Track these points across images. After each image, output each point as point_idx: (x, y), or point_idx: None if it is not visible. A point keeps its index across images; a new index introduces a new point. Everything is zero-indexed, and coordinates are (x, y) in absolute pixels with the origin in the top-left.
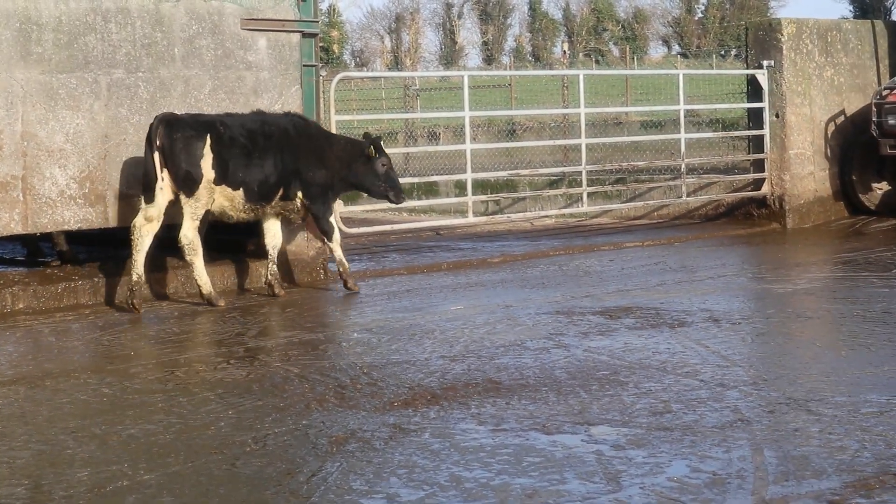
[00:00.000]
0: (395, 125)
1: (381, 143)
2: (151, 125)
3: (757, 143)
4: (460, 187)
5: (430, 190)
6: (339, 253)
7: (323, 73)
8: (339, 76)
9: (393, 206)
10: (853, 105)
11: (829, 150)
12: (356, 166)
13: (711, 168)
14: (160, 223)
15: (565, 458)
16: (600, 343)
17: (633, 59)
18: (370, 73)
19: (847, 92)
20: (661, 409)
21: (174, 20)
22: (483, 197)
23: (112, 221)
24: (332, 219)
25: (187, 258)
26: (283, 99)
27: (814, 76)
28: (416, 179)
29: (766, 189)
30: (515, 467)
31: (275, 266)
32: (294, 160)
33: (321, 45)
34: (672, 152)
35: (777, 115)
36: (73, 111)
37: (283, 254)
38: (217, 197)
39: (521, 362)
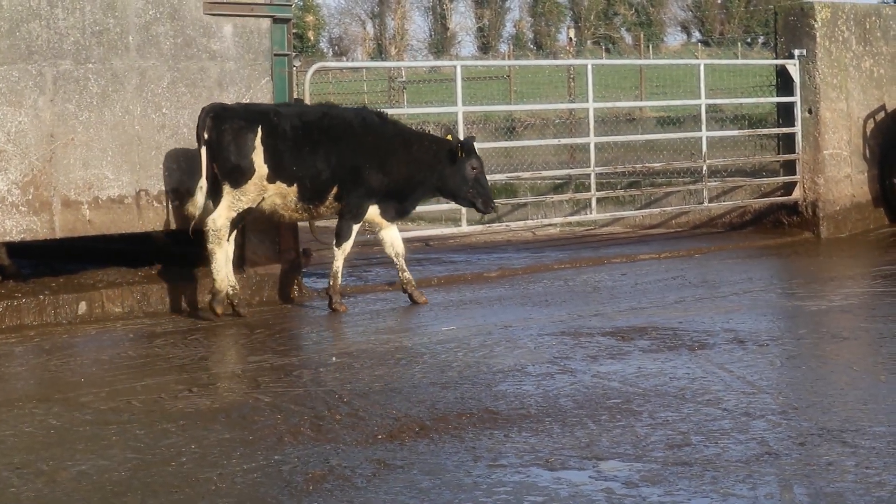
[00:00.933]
0: None
1: (474, 143)
2: (199, 117)
3: (787, 143)
4: None
5: None
6: (338, 264)
7: (297, 63)
8: (314, 66)
9: (482, 214)
10: (895, 100)
11: (867, 151)
12: (442, 169)
13: (736, 170)
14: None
15: (571, 496)
16: (611, 368)
17: (648, 47)
18: (350, 63)
19: (888, 85)
20: (678, 442)
21: (128, 4)
22: None
23: (59, 231)
24: (355, 227)
25: (209, 246)
26: (251, 92)
27: (851, 67)
28: None
29: (797, 194)
30: None
31: (407, 274)
32: (354, 158)
33: (295, 31)
34: (692, 152)
35: (810, 111)
36: (14, 107)
37: (252, 267)
38: (270, 194)
39: (521, 389)
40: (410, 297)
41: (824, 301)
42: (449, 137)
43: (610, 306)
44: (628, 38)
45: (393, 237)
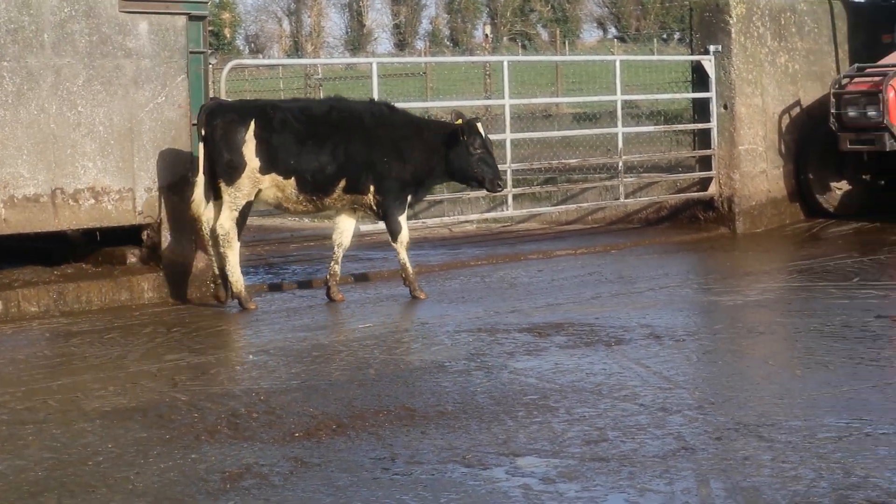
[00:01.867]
0: None
1: (479, 123)
2: (198, 114)
3: (703, 138)
4: None
5: None
6: (403, 256)
7: (213, 60)
8: (230, 64)
9: (493, 193)
10: (810, 95)
11: (783, 146)
12: (454, 152)
13: (652, 166)
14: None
15: (488, 493)
16: (528, 364)
17: (565, 43)
18: (266, 61)
19: (803, 80)
20: (595, 438)
21: (43, 2)
22: None
23: None
24: (402, 218)
25: (221, 250)
26: (167, 90)
27: (766, 63)
28: None
29: (713, 189)
30: None
31: (337, 266)
32: (365, 151)
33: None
34: (608, 148)
35: (725, 107)
36: None
37: (168, 265)
38: (266, 186)
39: (438, 386)
40: (328, 290)
41: (740, 296)
42: (459, 122)
43: (526, 303)
44: (545, 35)
45: (347, 228)
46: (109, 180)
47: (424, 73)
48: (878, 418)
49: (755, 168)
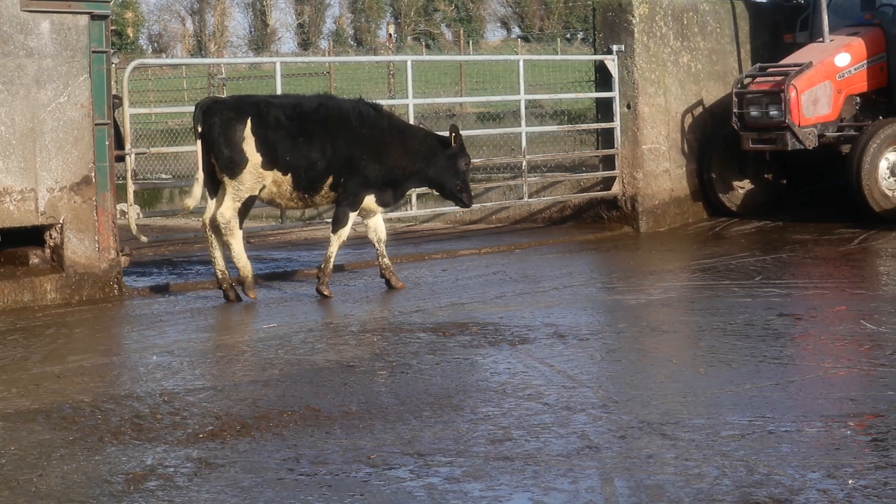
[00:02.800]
0: None
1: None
2: (194, 111)
3: (606, 138)
4: None
5: None
6: (334, 250)
7: (115, 60)
8: (133, 63)
9: (463, 209)
10: (712, 95)
11: (686, 145)
12: (436, 161)
13: (556, 165)
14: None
15: (393, 493)
16: (432, 363)
17: (469, 43)
18: (169, 60)
19: (705, 80)
20: (500, 437)
21: None
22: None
23: None
24: (352, 214)
25: (224, 239)
26: (69, 90)
27: (669, 62)
28: None
29: (616, 189)
30: None
31: (386, 259)
32: (348, 149)
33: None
34: (512, 148)
35: (628, 106)
36: None
37: (71, 266)
38: (268, 182)
39: (343, 386)
40: (388, 282)
41: (644, 295)
42: (454, 135)
43: (431, 302)
44: (448, 35)
45: (377, 224)
46: (11, 181)
47: (328, 72)
48: (780, 416)
49: (658, 167)
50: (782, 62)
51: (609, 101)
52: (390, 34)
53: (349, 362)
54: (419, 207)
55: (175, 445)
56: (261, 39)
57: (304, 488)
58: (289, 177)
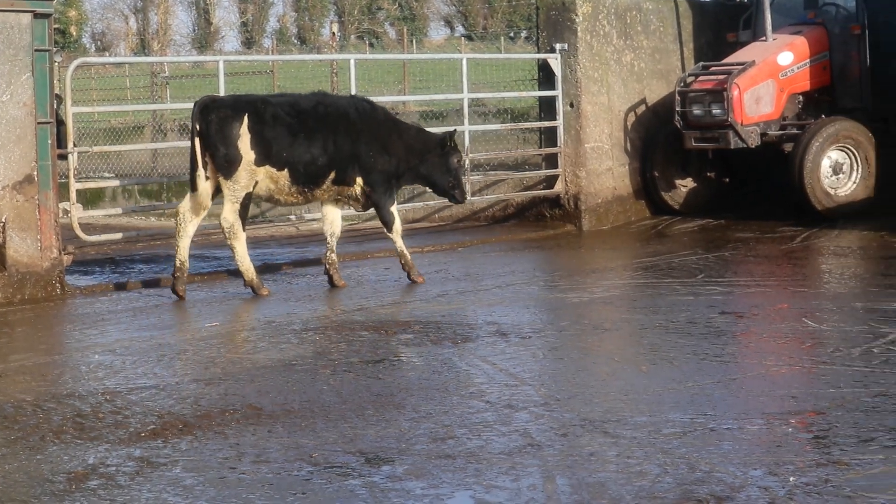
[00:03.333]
0: (142, 117)
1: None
2: (192, 111)
3: (549, 136)
4: None
5: (183, 191)
6: (400, 244)
7: (58, 58)
8: (76, 62)
9: (456, 204)
10: (655, 93)
11: (629, 144)
12: (429, 158)
13: (499, 164)
14: (205, 211)
15: (335, 492)
16: (375, 362)
17: (412, 41)
18: (113, 59)
19: (648, 79)
20: (442, 435)
21: None
22: None
23: None
24: (393, 209)
25: (228, 242)
26: (11, 88)
27: (612, 61)
28: (165, 180)
29: (559, 187)
30: (279, 503)
31: (334, 255)
32: (352, 144)
33: (56, 26)
34: None
35: (571, 105)
36: None
37: (14, 265)
38: (261, 178)
39: (285, 385)
40: (330, 279)
41: (586, 293)
42: (450, 134)
43: (374, 300)
44: (392, 33)
45: (335, 218)
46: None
47: (272, 71)
48: (722, 413)
49: (601, 166)
50: (725, 61)
51: (552, 99)
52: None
53: (291, 361)
54: None
55: (117, 444)
56: (204, 38)
57: (246, 487)
58: (286, 172)
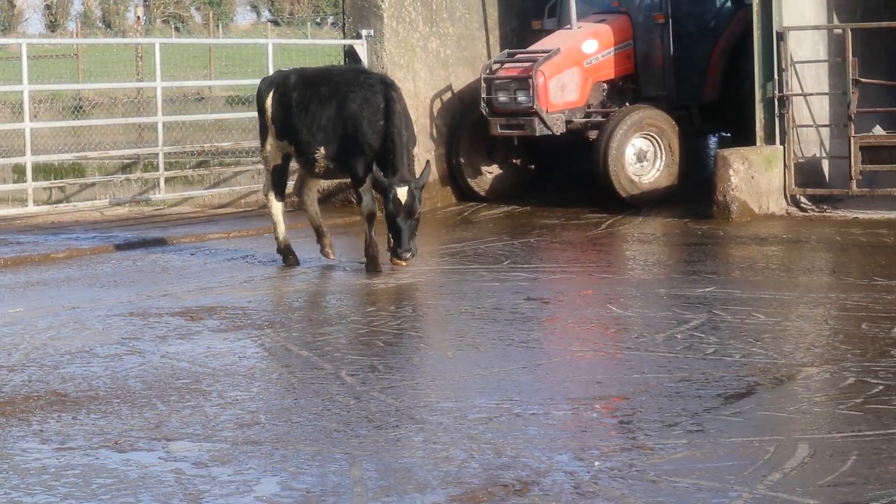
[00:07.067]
0: None
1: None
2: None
3: None
4: (19, 172)
5: None
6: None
7: None
8: None
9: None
10: (461, 80)
11: (435, 130)
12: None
13: None
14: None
15: (140, 478)
16: (180, 348)
17: (219, 26)
18: None
19: (454, 66)
20: (248, 421)
21: None
22: (45, 183)
23: None
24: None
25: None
26: None
27: (418, 48)
28: None
29: None
30: (84, 490)
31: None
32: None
33: None
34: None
35: None
36: None
37: None
38: (286, 152)
39: (89, 371)
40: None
41: (393, 279)
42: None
43: (179, 286)
44: (198, 18)
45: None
46: None
47: (76, 54)
48: (527, 399)
49: None
50: (531, 48)
51: None
52: (138, 17)
53: (95, 347)
54: (167, 191)
55: None
56: (7, 20)
57: (50, 474)
58: (293, 148)
